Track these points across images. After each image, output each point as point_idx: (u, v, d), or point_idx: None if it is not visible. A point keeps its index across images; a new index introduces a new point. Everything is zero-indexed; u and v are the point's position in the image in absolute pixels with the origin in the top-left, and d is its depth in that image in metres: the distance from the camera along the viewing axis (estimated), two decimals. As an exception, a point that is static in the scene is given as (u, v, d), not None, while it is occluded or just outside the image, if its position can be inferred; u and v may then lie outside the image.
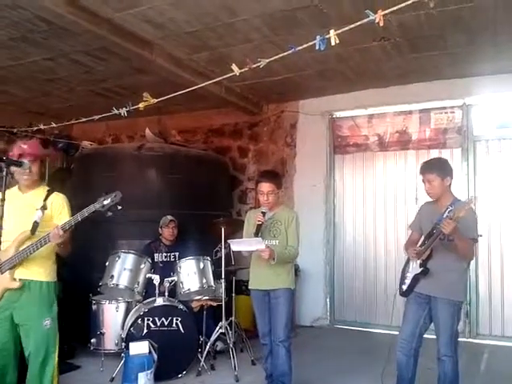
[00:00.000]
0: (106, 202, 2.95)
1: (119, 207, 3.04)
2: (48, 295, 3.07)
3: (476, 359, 4.75)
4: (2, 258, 2.91)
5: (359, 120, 6.26)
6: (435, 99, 5.74)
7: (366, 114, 6.22)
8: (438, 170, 3.24)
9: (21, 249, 2.93)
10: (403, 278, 3.43)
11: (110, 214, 3.04)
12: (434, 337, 3.28)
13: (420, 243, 3.37)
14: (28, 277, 2.97)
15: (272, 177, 3.65)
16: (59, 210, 3.12)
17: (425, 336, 3.36)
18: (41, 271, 3.05)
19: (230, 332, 4.54)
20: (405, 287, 3.38)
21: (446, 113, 5.81)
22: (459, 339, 5.29)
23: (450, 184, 3.30)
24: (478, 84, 5.42)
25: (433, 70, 5.26)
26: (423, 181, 3.32)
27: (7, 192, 2.95)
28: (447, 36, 4.35)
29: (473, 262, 5.46)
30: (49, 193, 3.10)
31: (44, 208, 2.97)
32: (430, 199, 3.40)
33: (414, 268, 3.32)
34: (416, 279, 3.29)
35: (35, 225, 2.95)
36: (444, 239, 3.15)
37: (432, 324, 3.33)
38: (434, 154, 5.77)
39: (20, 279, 2.94)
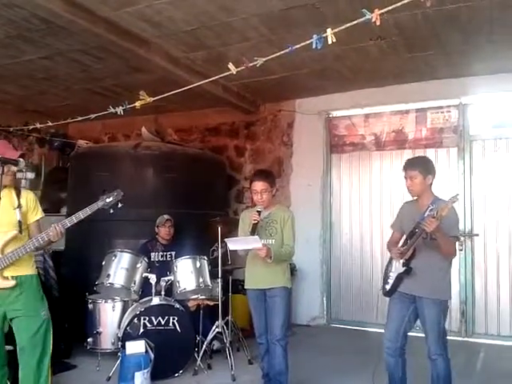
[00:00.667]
0: (108, 200, 3.07)
1: (120, 205, 3.14)
2: (38, 287, 3.17)
3: (472, 358, 4.76)
4: None
5: (356, 119, 6.27)
6: (431, 99, 5.76)
7: (362, 113, 6.23)
8: (420, 168, 3.28)
9: (8, 249, 2.93)
10: (386, 277, 3.44)
11: (111, 211, 3.13)
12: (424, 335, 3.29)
13: (402, 243, 3.38)
14: (19, 273, 3.01)
15: (265, 175, 3.66)
16: (33, 207, 3.17)
17: (417, 335, 3.38)
18: (29, 266, 3.12)
19: (227, 331, 4.54)
20: (388, 287, 3.38)
21: (442, 112, 5.82)
22: (455, 338, 5.36)
23: (431, 183, 3.33)
24: (474, 83, 5.44)
25: (429, 69, 5.28)
26: (405, 177, 3.35)
27: None
28: (443, 35, 4.36)
29: (469, 261, 5.52)
30: (18, 191, 3.12)
31: (20, 206, 3.02)
32: (412, 199, 3.42)
33: (397, 268, 3.32)
34: (399, 279, 3.30)
35: (20, 224, 3.01)
36: (426, 238, 3.17)
37: (416, 323, 3.34)
38: (431, 153, 5.78)
39: (12, 277, 2.96)
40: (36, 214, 3.18)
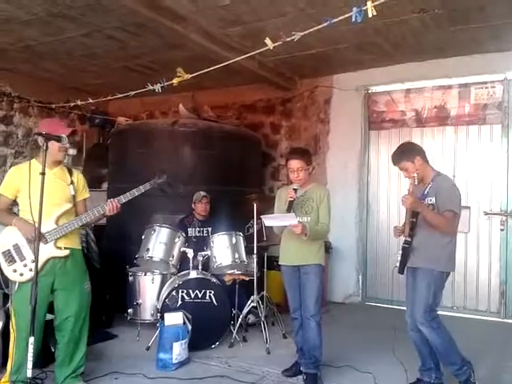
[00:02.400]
0: (159, 182, 3.46)
1: (170, 186, 3.53)
2: (83, 262, 3.38)
3: (511, 339, 4.67)
4: (42, 229, 3.00)
5: (396, 95, 6.11)
6: (475, 73, 5.54)
7: (403, 88, 6.05)
8: (402, 158, 3.33)
9: (61, 221, 3.10)
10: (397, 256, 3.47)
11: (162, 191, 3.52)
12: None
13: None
14: (70, 245, 3.19)
15: (301, 153, 3.63)
16: (82, 186, 3.38)
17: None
18: (78, 240, 3.34)
19: (262, 306, 4.61)
20: (397, 264, 3.37)
21: (486, 88, 5.60)
22: (493, 319, 5.29)
23: (425, 161, 3.33)
24: (520, 58, 5.21)
25: (473, 43, 5.07)
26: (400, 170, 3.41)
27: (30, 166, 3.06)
28: (488, 7, 4.17)
29: (510, 240, 5.38)
30: (69, 169, 3.33)
31: (73, 183, 3.23)
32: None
33: (401, 245, 3.37)
34: (404, 256, 3.31)
35: (74, 198, 3.25)
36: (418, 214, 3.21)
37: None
38: (473, 130, 5.61)
39: (65, 248, 3.13)
40: (84, 193, 3.40)
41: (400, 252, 3.33)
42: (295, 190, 3.45)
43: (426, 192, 3.26)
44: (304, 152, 3.73)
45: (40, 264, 3.00)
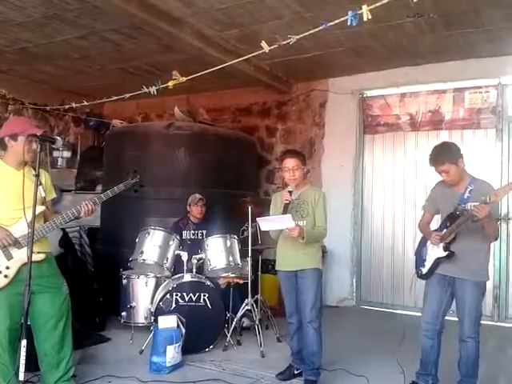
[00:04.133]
0: (131, 182, 3.37)
1: (141, 187, 3.43)
2: (56, 264, 3.28)
3: (504, 343, 4.69)
4: (14, 233, 2.95)
5: (391, 99, 6.14)
6: (470, 78, 5.57)
7: (397, 92, 6.08)
8: (447, 158, 3.16)
9: (36, 225, 2.92)
10: (421, 260, 3.38)
11: (136, 192, 3.42)
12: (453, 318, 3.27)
13: (439, 225, 3.31)
14: (43, 249, 3.09)
15: (295, 153, 3.65)
16: (50, 186, 3.27)
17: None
18: (49, 244, 3.25)
19: (256, 309, 4.60)
20: (425, 270, 3.32)
21: (480, 92, 5.64)
22: (487, 322, 5.30)
23: (464, 164, 3.24)
24: (514, 63, 5.24)
25: (467, 47, 5.10)
26: (438, 172, 3.23)
27: None
28: (483, 12, 4.19)
29: (504, 245, 5.38)
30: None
31: (41, 184, 3.04)
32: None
33: (436, 251, 3.26)
34: (437, 262, 3.24)
35: (44, 200, 3.10)
36: (477, 221, 3.04)
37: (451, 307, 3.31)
38: (468, 134, 5.64)
39: (38, 252, 3.01)
40: (52, 193, 3.29)
41: (432, 258, 3.26)
42: (290, 192, 3.42)
43: (466, 196, 3.14)
44: (298, 152, 3.76)
45: (15, 270, 2.96)
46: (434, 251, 3.28)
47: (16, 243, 2.96)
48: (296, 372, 3.70)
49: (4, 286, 2.95)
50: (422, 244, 3.44)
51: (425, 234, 3.44)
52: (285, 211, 3.38)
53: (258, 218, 3.51)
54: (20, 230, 2.97)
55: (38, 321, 3.11)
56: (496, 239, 3.27)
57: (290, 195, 3.42)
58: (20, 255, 2.97)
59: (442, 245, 3.21)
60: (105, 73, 6.23)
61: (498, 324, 5.34)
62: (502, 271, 5.40)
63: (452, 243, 3.17)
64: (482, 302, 3.20)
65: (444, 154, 3.19)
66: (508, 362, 4.14)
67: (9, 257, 2.97)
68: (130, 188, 3.37)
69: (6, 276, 2.95)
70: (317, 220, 3.50)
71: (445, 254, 3.20)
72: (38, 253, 3.01)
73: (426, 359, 3.36)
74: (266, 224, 3.52)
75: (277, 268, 3.68)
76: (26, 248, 2.94)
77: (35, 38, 5.01)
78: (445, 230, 3.21)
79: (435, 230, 3.33)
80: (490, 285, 5.40)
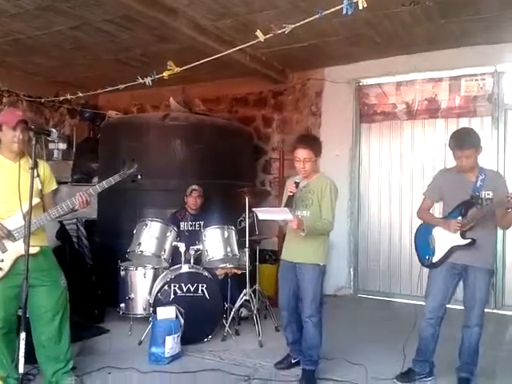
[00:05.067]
0: (128, 172, 3.23)
1: (139, 176, 3.28)
2: (54, 257, 3.27)
3: (501, 330, 4.73)
4: (9, 226, 2.94)
5: (387, 87, 6.12)
6: (466, 66, 5.56)
7: (394, 81, 6.06)
8: (474, 144, 3.14)
9: (33, 217, 2.90)
10: (427, 249, 3.34)
11: (132, 181, 3.31)
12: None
13: (451, 212, 3.26)
14: (40, 243, 3.07)
15: (311, 142, 3.38)
16: (49, 178, 3.21)
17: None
18: (46, 237, 3.22)
19: (254, 299, 4.62)
20: (435, 258, 3.28)
21: (476, 80, 5.63)
22: (486, 310, 5.31)
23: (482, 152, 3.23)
24: (510, 50, 5.24)
25: (463, 35, 5.08)
26: (458, 157, 3.16)
27: None
28: (479, 0, 4.17)
29: (500, 233, 5.39)
30: (35, 161, 3.03)
31: (38, 176, 3.00)
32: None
33: (451, 239, 3.21)
34: (453, 250, 3.21)
35: (41, 192, 3.05)
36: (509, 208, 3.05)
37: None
38: (464, 122, 5.64)
39: (33, 245, 2.94)
40: (51, 184, 3.23)
41: (446, 246, 3.23)
42: (297, 183, 3.28)
43: (478, 185, 3.14)
44: (314, 141, 3.48)
45: (10, 263, 2.95)
46: (448, 239, 3.23)
47: (10, 236, 2.94)
48: (294, 361, 3.72)
49: (0, 279, 2.94)
50: (425, 232, 3.39)
51: (429, 220, 3.39)
52: (288, 203, 3.28)
53: (254, 209, 3.45)
54: (15, 222, 2.95)
55: (35, 313, 3.11)
56: (509, 228, 3.30)
57: (297, 187, 3.29)
58: (15, 248, 2.95)
59: (458, 232, 3.17)
60: (99, 64, 6.19)
61: (495, 311, 5.37)
62: (498, 259, 5.41)
63: (468, 231, 3.16)
64: (489, 290, 3.26)
65: (471, 139, 3.17)
66: (505, 350, 4.17)
67: (3, 249, 2.95)
68: (127, 178, 3.26)
69: (0, 269, 2.94)
70: (322, 212, 3.34)
71: (465, 241, 3.16)
72: (33, 246, 2.95)
73: (425, 347, 3.39)
74: (263, 214, 3.48)
75: (280, 257, 3.64)
76: (20, 241, 2.92)
77: (29, 30, 4.96)
78: (459, 218, 3.17)
79: (444, 218, 3.30)
80: (486, 272, 5.46)
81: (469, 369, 3.27)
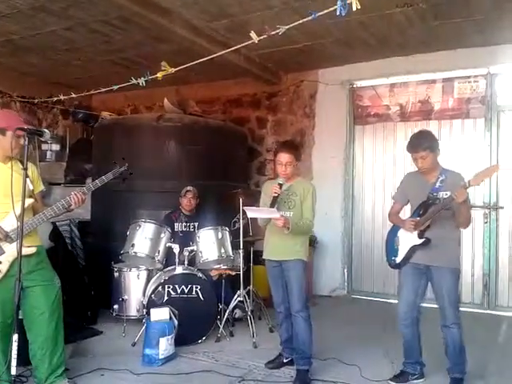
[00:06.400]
0: (119, 171, 3.32)
1: (130, 174, 3.38)
2: (47, 257, 3.26)
3: (494, 331, 4.75)
4: (5, 228, 2.92)
5: (380, 89, 6.14)
6: (459, 68, 5.59)
7: (387, 83, 6.09)
8: (429, 145, 3.24)
9: (25, 218, 2.88)
10: (393, 250, 3.43)
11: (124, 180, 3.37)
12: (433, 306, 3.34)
13: (412, 213, 3.36)
14: (33, 243, 3.07)
15: (292, 148, 3.60)
16: (37, 178, 3.22)
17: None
18: (38, 237, 3.20)
19: (248, 300, 4.62)
20: (398, 259, 3.37)
21: (469, 82, 5.66)
22: (477, 310, 5.37)
23: (439, 154, 3.32)
24: (503, 52, 5.27)
25: (457, 37, 5.11)
26: (415, 158, 3.28)
27: None
28: (472, 2, 4.20)
29: (493, 234, 5.44)
30: (22, 163, 3.04)
31: (28, 176, 2.96)
32: (416, 169, 3.37)
33: (410, 239, 3.30)
34: (413, 250, 3.28)
35: (32, 192, 3.07)
36: (449, 209, 3.15)
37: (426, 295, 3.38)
38: (457, 124, 5.68)
39: (29, 246, 2.99)
40: (39, 185, 3.24)
41: (406, 246, 3.29)
42: (280, 185, 3.41)
43: (437, 185, 3.22)
44: (295, 147, 3.71)
45: (7, 265, 2.93)
46: (408, 239, 3.32)
47: (7, 237, 2.93)
48: (285, 361, 3.74)
49: None
50: (393, 234, 3.48)
51: (396, 222, 3.49)
52: (273, 203, 3.39)
53: (245, 207, 3.54)
54: (9, 224, 2.94)
55: (32, 315, 3.09)
56: (468, 226, 3.31)
57: (280, 188, 3.41)
58: (12, 249, 2.93)
59: (416, 232, 3.25)
60: (93, 64, 6.17)
61: (488, 312, 5.40)
62: (491, 259, 5.46)
63: (426, 231, 3.23)
64: (458, 289, 3.27)
65: (424, 141, 3.28)
66: (498, 350, 4.18)
67: (0, 251, 2.94)
68: (118, 176, 3.31)
69: None
70: (304, 212, 3.51)
71: (420, 241, 3.25)
72: (29, 246, 2.98)
73: (409, 348, 3.43)
74: (252, 212, 3.58)
75: (263, 256, 3.71)
76: (17, 242, 2.88)
77: (22, 30, 4.94)
78: (418, 218, 3.27)
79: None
80: (479, 273, 5.50)
81: (459, 369, 3.29)
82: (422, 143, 3.25)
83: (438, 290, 3.27)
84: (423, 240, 3.24)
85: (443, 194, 3.19)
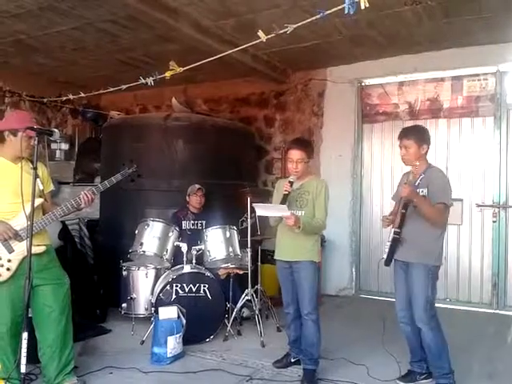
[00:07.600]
0: (129, 172, 3.40)
1: (138, 176, 3.47)
2: (56, 256, 3.29)
3: (503, 330, 4.72)
4: (15, 227, 2.96)
5: (389, 87, 6.11)
6: (468, 66, 5.55)
7: (396, 81, 6.05)
8: (415, 137, 3.28)
9: (35, 218, 2.91)
10: (384, 247, 3.44)
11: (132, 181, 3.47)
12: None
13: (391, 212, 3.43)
14: (42, 242, 3.10)
15: (303, 144, 3.55)
16: (47, 178, 3.26)
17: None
18: (48, 236, 3.24)
19: (256, 299, 4.62)
20: (385, 256, 3.35)
21: (478, 80, 5.62)
22: (486, 310, 5.33)
23: (426, 152, 3.32)
24: (513, 50, 5.22)
25: (466, 35, 5.07)
26: (400, 146, 3.35)
27: None
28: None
29: (502, 233, 5.40)
30: (32, 162, 3.03)
31: (38, 177, 3.00)
32: (409, 169, 3.37)
33: (390, 236, 3.33)
34: (393, 247, 3.29)
35: (43, 192, 3.10)
36: (416, 206, 3.15)
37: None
38: (466, 122, 5.63)
39: (39, 244, 3.03)
40: (49, 185, 3.29)
41: (388, 243, 3.30)
42: (291, 182, 3.38)
43: (417, 183, 3.25)
44: (307, 144, 3.67)
45: (16, 264, 2.97)
46: (390, 237, 3.34)
47: (17, 236, 2.96)
48: (293, 360, 3.73)
49: (7, 279, 2.97)
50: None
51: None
52: (284, 201, 3.35)
53: (254, 204, 3.52)
54: (20, 223, 2.98)
55: (42, 313, 3.12)
56: (440, 225, 3.25)
57: (291, 186, 3.38)
58: (21, 248, 2.97)
59: (393, 229, 3.29)
60: (101, 64, 6.19)
61: (497, 312, 5.36)
62: (500, 259, 5.42)
63: (401, 228, 3.24)
64: (430, 287, 3.20)
65: (412, 131, 3.35)
66: (507, 350, 4.16)
67: (10, 250, 2.97)
68: (127, 177, 3.39)
69: (8, 269, 2.96)
70: (316, 212, 3.45)
71: (391, 237, 3.28)
72: (39, 245, 3.02)
73: (412, 346, 3.42)
74: (262, 210, 3.55)
75: (275, 257, 3.68)
76: (26, 241, 2.94)
77: (30, 30, 4.96)
78: (390, 216, 3.35)
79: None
80: (488, 272, 5.46)
81: (437, 372, 3.26)
82: (409, 133, 3.32)
83: (409, 285, 3.25)
84: (393, 237, 3.26)
85: (420, 191, 3.21)
